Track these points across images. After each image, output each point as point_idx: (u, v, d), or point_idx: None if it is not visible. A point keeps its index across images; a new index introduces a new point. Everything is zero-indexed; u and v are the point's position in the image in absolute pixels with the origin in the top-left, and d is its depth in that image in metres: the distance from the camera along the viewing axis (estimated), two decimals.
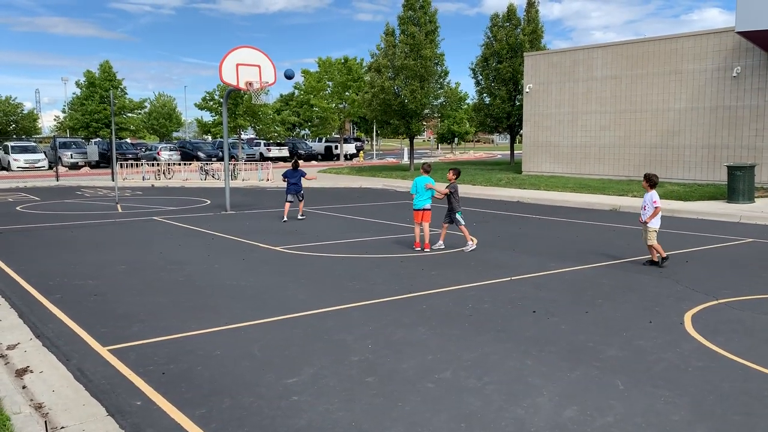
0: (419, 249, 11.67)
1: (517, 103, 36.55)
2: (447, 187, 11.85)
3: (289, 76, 16.48)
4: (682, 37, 25.74)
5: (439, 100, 36.62)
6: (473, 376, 5.53)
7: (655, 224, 10.38)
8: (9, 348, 6.30)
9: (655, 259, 10.33)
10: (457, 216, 11.79)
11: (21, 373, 5.61)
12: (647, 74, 26.75)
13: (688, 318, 7.29)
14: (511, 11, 37.58)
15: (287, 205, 16.19)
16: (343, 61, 50.91)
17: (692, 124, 25.46)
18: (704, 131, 25.12)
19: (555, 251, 11.68)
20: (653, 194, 10.46)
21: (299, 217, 16.33)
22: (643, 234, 10.59)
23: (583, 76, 29.09)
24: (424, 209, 11.73)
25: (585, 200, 20.02)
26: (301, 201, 16.45)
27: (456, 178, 11.97)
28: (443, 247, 11.92)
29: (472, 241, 11.96)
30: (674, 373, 5.58)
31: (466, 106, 57.56)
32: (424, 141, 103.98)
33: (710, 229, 14.44)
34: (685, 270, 9.97)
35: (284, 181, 16.50)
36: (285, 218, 16.05)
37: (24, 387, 5.28)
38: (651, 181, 10.62)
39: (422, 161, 48.42)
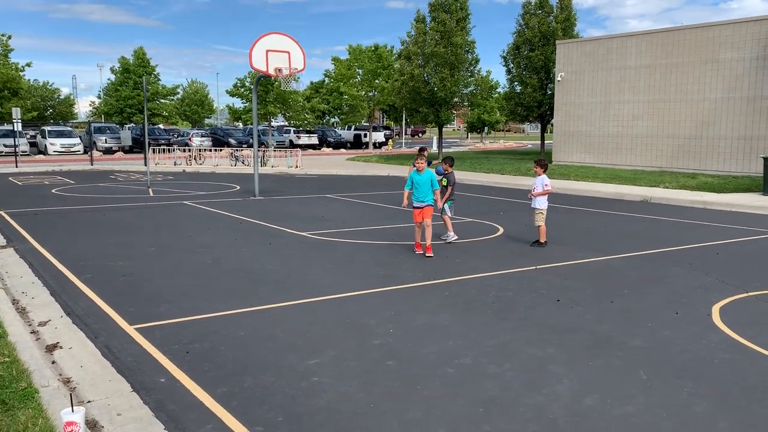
0: (421, 252, 10.16)
1: (549, 92, 36.07)
2: (441, 178, 11.39)
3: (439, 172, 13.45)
4: (719, 25, 25.10)
5: (469, 89, 36.35)
6: (494, 362, 5.52)
7: (542, 205, 10.93)
8: (40, 324, 6.48)
9: (542, 241, 10.86)
10: (446, 206, 11.35)
11: (51, 348, 5.77)
12: (682, 63, 26.17)
13: (716, 310, 7.16)
14: None
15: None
16: (373, 48, 50.75)
17: (728, 115, 24.86)
18: (740, 122, 24.52)
19: (583, 241, 11.55)
20: (544, 178, 11.03)
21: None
22: (532, 215, 11.14)
23: (617, 64, 28.58)
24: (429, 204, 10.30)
25: (615, 191, 19.74)
26: None
27: (451, 168, 11.71)
28: (455, 237, 11.46)
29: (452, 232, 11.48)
30: (699, 365, 5.50)
31: (496, 95, 57.02)
32: (454, 130, 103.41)
33: (744, 222, 14.12)
34: (716, 262, 9.78)
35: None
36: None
37: (53, 362, 5.43)
38: (543, 166, 11.16)
39: (451, 150, 48.14)
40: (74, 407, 3.80)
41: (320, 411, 4.56)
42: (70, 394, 3.90)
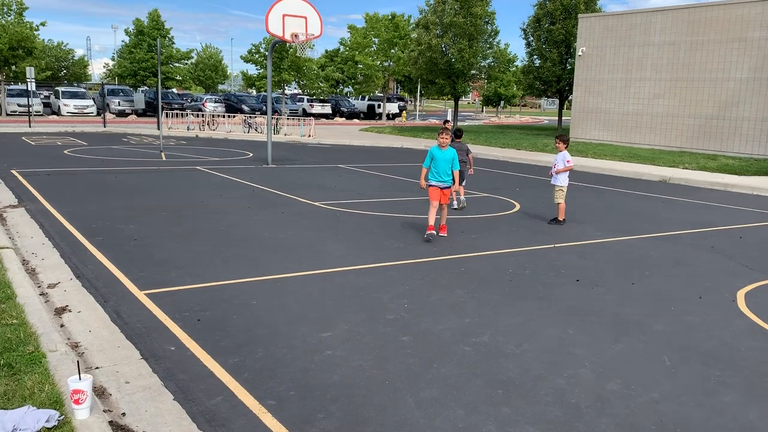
0: (433, 233, 9.15)
1: (569, 67, 35.40)
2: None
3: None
4: (748, 3, 24.36)
5: (488, 61, 35.74)
6: (512, 342, 5.35)
7: (563, 182, 10.67)
8: (50, 286, 6.37)
9: (560, 218, 10.67)
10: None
11: (60, 311, 5.66)
12: (708, 41, 25.51)
13: (741, 295, 6.94)
14: None
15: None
16: (390, 17, 49.94)
17: (753, 95, 24.28)
18: (765, 103, 23.94)
19: (601, 220, 11.31)
20: (566, 154, 10.72)
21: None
22: (552, 192, 10.93)
23: (640, 41, 27.92)
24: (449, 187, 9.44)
25: (633, 170, 19.38)
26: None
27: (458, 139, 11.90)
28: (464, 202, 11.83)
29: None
30: (726, 352, 5.30)
31: (514, 69, 56.12)
32: (469, 103, 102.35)
33: (766, 205, 13.79)
34: (739, 246, 9.52)
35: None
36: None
37: (62, 326, 5.32)
38: (565, 141, 10.84)
39: (465, 124, 47.60)
40: (81, 375, 3.67)
41: (333, 386, 4.42)
42: (78, 361, 3.77)
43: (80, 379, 3.62)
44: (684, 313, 6.30)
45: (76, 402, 3.60)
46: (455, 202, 11.65)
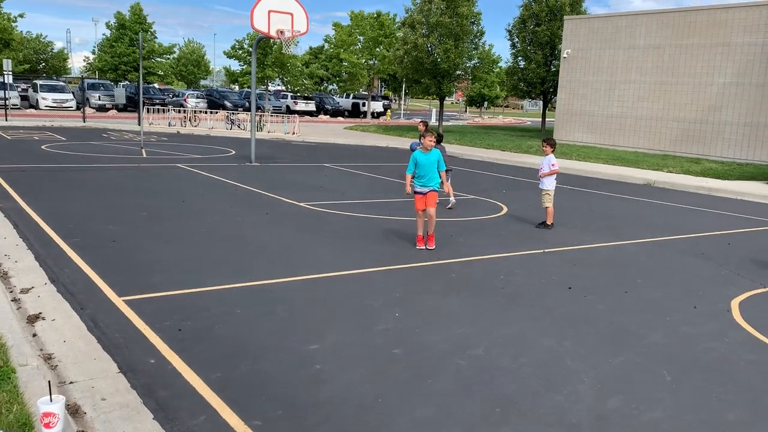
0: (423, 248, 8.70)
1: (553, 69, 35.40)
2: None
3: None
4: (733, 8, 24.51)
5: (473, 61, 35.63)
6: (507, 354, 5.17)
7: (549, 186, 10.60)
8: (23, 291, 6.07)
9: (548, 222, 10.57)
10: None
11: (33, 319, 5.36)
12: (692, 45, 25.61)
13: (735, 305, 6.83)
14: None
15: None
16: (375, 15, 49.68)
17: (735, 100, 24.42)
18: (748, 108, 24.09)
19: (589, 224, 11.20)
20: (551, 157, 10.66)
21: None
22: (540, 196, 10.87)
23: (625, 44, 27.97)
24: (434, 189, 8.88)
25: (617, 172, 19.36)
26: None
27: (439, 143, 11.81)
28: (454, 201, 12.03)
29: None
30: (725, 366, 5.16)
31: (498, 70, 56.16)
32: (452, 103, 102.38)
33: (752, 211, 13.80)
34: (728, 252, 9.45)
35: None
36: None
37: (34, 335, 5.04)
38: (552, 145, 10.69)
39: (450, 124, 47.48)
40: (53, 395, 3.40)
41: (323, 404, 4.19)
42: (49, 382, 3.49)
43: (51, 400, 3.36)
44: (680, 323, 6.16)
45: (47, 426, 3.33)
46: (452, 199, 11.92)
